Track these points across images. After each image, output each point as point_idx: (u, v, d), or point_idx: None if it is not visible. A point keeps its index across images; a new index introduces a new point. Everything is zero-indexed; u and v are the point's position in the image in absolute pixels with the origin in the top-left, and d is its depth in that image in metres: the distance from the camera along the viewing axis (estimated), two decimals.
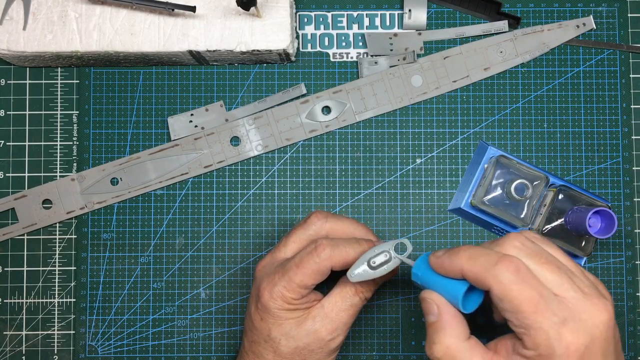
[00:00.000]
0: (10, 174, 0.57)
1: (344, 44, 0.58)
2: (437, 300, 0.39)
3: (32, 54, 0.53)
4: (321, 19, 0.58)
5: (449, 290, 0.39)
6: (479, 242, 0.56)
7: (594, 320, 0.36)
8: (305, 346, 0.45)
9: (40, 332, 0.56)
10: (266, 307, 0.45)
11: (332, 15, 0.58)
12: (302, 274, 0.44)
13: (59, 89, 0.58)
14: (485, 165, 0.54)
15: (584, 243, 0.52)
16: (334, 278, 0.47)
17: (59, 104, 0.57)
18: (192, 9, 0.51)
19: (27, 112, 0.57)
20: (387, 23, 0.58)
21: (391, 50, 0.57)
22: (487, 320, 0.45)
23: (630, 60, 0.57)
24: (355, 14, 0.58)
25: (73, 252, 0.57)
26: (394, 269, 0.46)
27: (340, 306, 0.45)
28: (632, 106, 0.57)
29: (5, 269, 0.56)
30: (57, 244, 0.57)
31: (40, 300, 0.56)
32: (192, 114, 0.56)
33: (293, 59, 0.57)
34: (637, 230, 0.56)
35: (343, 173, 0.57)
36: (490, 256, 0.37)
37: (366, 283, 0.46)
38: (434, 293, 0.40)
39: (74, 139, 0.57)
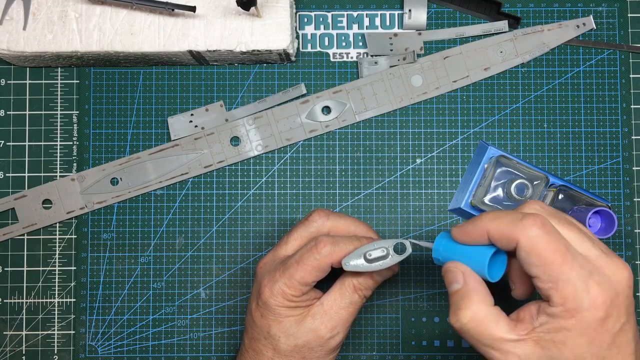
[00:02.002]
0: (10, 174, 0.57)
1: (344, 44, 0.58)
2: (462, 268, 0.39)
3: (32, 54, 0.53)
4: (321, 19, 0.58)
5: (474, 258, 0.39)
6: None
7: (617, 276, 0.36)
8: (305, 344, 0.45)
9: (40, 332, 0.56)
10: (267, 304, 0.45)
11: (332, 15, 0.58)
12: (302, 270, 0.44)
13: (59, 89, 0.58)
14: (485, 165, 0.54)
15: None
16: (335, 278, 0.47)
17: (59, 104, 0.57)
18: (192, 9, 0.51)
19: (27, 112, 0.57)
20: (387, 23, 0.58)
21: (391, 50, 0.57)
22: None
23: (630, 60, 0.57)
24: (355, 14, 0.58)
25: (73, 252, 0.57)
26: (394, 268, 0.46)
27: (340, 304, 0.45)
28: (632, 106, 0.57)
29: (5, 269, 0.56)
30: (57, 244, 0.57)
31: (40, 300, 0.56)
32: (192, 114, 0.56)
33: (293, 59, 0.57)
34: (637, 230, 0.56)
35: (343, 173, 0.57)
36: (515, 214, 0.37)
37: (365, 281, 0.45)
38: (458, 262, 0.40)
39: (74, 139, 0.57)
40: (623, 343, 0.36)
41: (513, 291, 0.42)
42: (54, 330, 0.56)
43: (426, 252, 0.56)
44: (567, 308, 0.35)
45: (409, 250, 0.43)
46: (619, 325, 0.36)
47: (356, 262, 0.43)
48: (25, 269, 0.56)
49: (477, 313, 0.37)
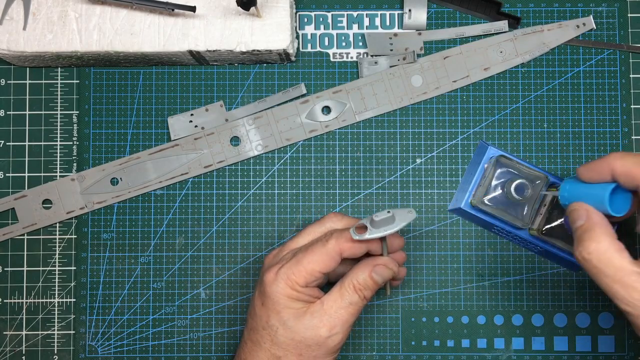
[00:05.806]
0: (10, 174, 0.57)
1: (344, 44, 0.58)
2: (585, 206, 0.42)
3: (32, 54, 0.53)
4: (321, 19, 0.58)
5: (596, 195, 0.42)
6: (480, 241, 0.56)
7: None
8: (303, 340, 0.45)
9: (40, 332, 0.56)
10: (268, 290, 0.45)
11: (332, 15, 0.58)
12: (310, 256, 0.45)
13: (59, 89, 0.58)
14: (485, 165, 0.54)
15: None
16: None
17: (59, 104, 0.57)
18: (192, 9, 0.51)
19: (27, 112, 0.57)
20: (387, 23, 0.58)
21: (391, 50, 0.57)
22: None
23: (630, 60, 0.57)
24: (355, 14, 0.58)
25: (73, 252, 0.57)
26: (394, 269, 0.46)
27: (340, 304, 0.45)
28: (632, 106, 0.57)
29: (5, 269, 0.56)
30: (57, 244, 0.57)
31: (40, 300, 0.56)
32: (192, 114, 0.56)
33: (293, 59, 0.57)
34: (637, 231, 0.56)
35: (343, 173, 0.57)
36: None
37: (365, 282, 0.45)
38: (581, 202, 0.42)
39: (74, 139, 0.57)
40: None
41: (638, 227, 0.44)
42: (54, 330, 0.56)
43: (426, 250, 0.56)
44: None
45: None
46: None
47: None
48: (25, 269, 0.56)
49: (601, 244, 0.39)
